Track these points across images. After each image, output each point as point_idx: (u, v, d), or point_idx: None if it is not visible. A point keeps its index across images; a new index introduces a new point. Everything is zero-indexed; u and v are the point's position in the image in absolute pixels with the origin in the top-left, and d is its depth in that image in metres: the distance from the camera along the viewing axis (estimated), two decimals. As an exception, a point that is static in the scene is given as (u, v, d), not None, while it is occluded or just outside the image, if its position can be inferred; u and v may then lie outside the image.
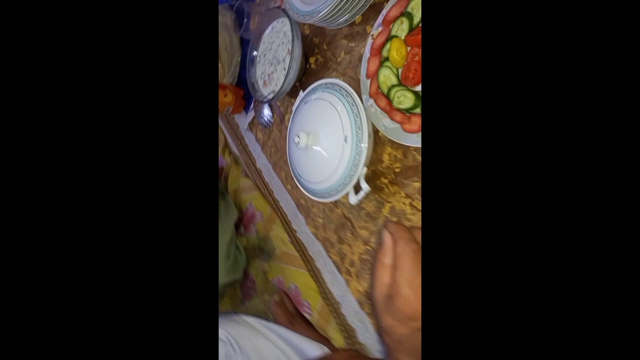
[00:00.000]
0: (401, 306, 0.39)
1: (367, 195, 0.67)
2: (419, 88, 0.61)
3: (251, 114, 1.08)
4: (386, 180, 0.67)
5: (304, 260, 0.84)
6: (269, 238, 0.94)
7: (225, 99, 1.07)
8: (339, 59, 0.80)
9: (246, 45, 0.94)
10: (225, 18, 1.00)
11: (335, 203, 0.78)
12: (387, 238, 0.42)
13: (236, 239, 0.99)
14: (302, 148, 0.67)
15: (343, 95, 0.65)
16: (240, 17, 1.02)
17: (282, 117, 0.95)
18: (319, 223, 0.82)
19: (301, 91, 0.74)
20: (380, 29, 0.67)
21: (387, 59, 0.64)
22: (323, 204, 0.81)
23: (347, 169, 0.62)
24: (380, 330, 0.44)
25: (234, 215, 1.01)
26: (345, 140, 0.62)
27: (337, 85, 0.67)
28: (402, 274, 0.40)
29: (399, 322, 0.40)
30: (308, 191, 0.70)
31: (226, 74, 1.03)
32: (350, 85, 0.65)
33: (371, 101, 0.66)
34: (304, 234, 0.86)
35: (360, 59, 0.74)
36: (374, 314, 0.63)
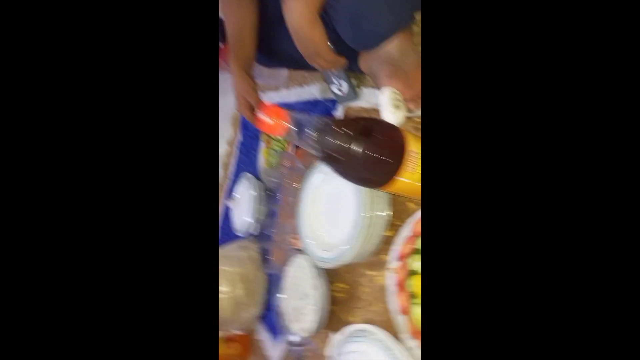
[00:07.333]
0: None
1: None
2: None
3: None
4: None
5: None
6: None
7: (230, 350, 0.97)
8: (361, 289, 0.78)
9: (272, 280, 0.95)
10: (250, 252, 1.02)
11: None
12: None
13: None
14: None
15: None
16: (265, 251, 1.04)
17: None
18: None
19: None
20: (398, 263, 0.68)
21: (413, 295, 0.64)
22: None
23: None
24: None
25: None
26: None
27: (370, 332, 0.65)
28: None
29: None
30: None
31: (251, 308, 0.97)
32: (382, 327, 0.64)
33: (414, 343, 0.62)
34: None
35: (381, 289, 0.71)
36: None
